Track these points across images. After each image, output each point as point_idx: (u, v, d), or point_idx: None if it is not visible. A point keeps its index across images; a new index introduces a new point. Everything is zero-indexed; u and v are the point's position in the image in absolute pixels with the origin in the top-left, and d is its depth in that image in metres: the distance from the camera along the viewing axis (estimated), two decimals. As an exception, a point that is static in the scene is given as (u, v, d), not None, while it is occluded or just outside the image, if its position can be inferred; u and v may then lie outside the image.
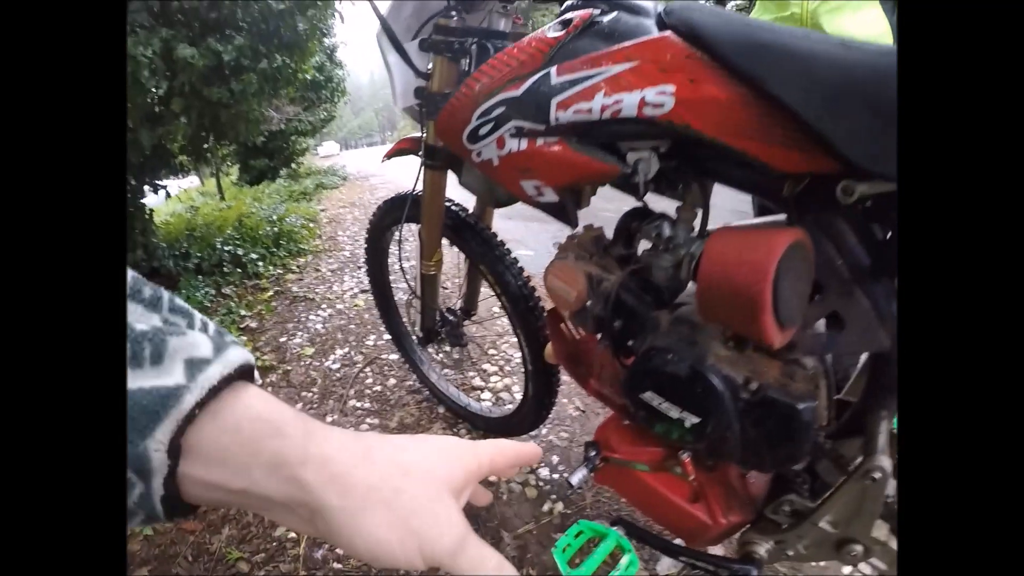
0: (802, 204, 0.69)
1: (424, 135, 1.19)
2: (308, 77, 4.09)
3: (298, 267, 3.74)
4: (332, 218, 5.96)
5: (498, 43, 1.05)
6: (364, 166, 15.53)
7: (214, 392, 0.28)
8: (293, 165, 9.99)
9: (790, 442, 0.66)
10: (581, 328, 0.96)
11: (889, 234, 0.67)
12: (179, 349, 0.27)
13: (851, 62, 0.56)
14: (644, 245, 0.86)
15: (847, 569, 1.23)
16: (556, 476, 1.53)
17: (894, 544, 0.70)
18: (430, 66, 1.10)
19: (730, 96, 0.62)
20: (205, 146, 3.37)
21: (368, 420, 1.85)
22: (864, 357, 0.86)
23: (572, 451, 1.63)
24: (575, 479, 0.89)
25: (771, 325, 0.60)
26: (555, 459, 1.60)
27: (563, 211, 0.85)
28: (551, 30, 0.78)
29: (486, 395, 1.94)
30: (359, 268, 3.65)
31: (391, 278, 1.87)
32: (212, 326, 0.33)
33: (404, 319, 1.88)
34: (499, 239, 1.29)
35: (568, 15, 0.78)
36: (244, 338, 2.53)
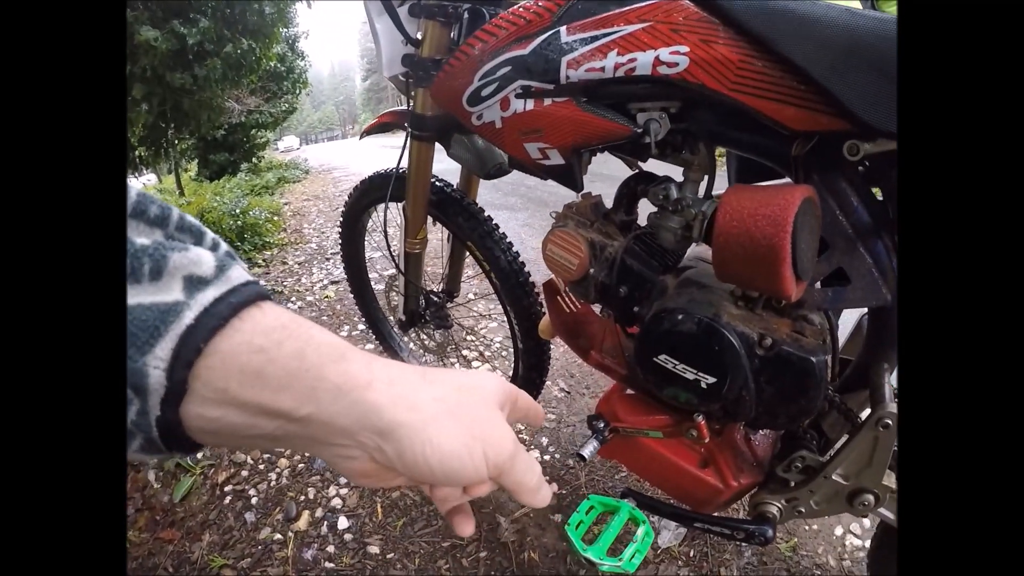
0: (808, 164, 0.70)
1: (412, 105, 1.16)
2: (272, 65, 4.00)
3: (264, 260, 3.67)
4: (296, 211, 5.85)
5: (492, 9, 1.02)
6: (326, 159, 15.32)
7: (234, 309, 0.27)
8: (254, 159, 9.78)
9: (804, 396, 0.67)
10: (582, 299, 0.95)
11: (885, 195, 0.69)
12: (180, 266, 0.26)
13: (856, 26, 0.58)
14: (646, 213, 0.86)
15: (839, 530, 1.27)
16: (547, 458, 1.53)
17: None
18: (420, 33, 1.06)
19: (742, 56, 0.64)
20: (164, 139, 3.27)
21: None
22: (855, 317, 0.89)
23: (560, 432, 1.63)
24: (586, 452, 0.88)
25: (789, 277, 0.60)
26: (544, 441, 1.60)
27: (568, 175, 0.84)
28: None
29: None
30: (327, 260, 3.60)
31: (367, 263, 1.82)
32: (224, 246, 0.31)
33: (382, 304, 1.84)
34: (487, 213, 1.26)
35: None
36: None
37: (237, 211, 4.53)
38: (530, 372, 1.37)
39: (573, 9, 0.74)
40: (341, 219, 1.66)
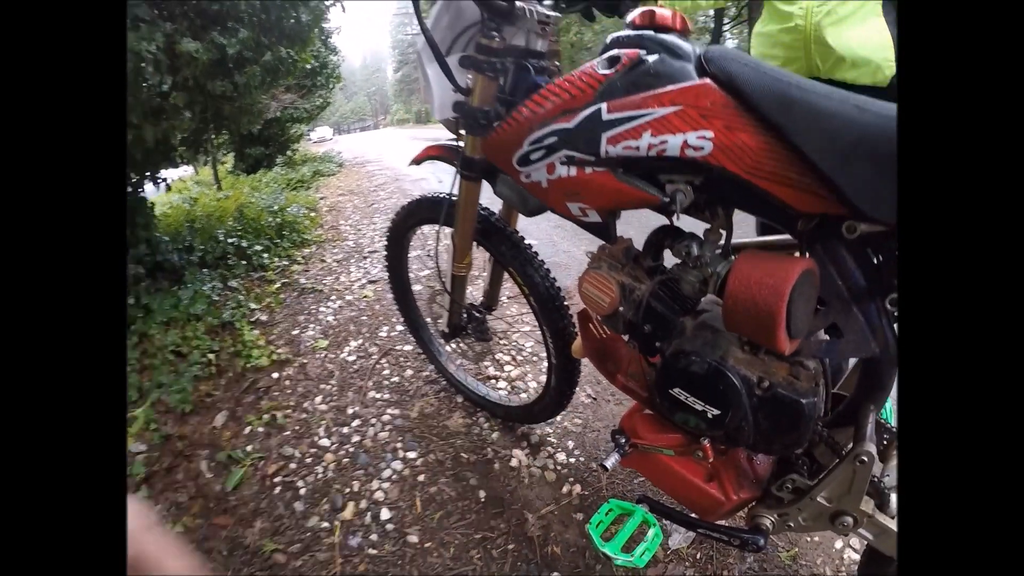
0: (811, 236, 0.82)
1: (462, 147, 1.29)
2: (307, 66, 4.12)
3: (303, 258, 3.82)
4: (332, 206, 6.03)
5: (535, 62, 1.14)
6: (359, 151, 15.54)
7: None
8: (289, 152, 9.99)
9: (795, 431, 0.80)
10: (611, 330, 1.08)
11: (881, 259, 0.80)
12: None
13: (863, 122, 0.67)
14: (673, 259, 0.98)
15: (839, 544, 1.39)
16: (572, 460, 1.67)
17: (879, 517, 0.84)
18: (470, 81, 1.17)
19: (759, 144, 0.75)
20: (204, 136, 3.36)
21: (389, 411, 1.97)
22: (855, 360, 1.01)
23: (586, 436, 1.76)
24: (609, 463, 1.02)
25: (783, 337, 0.73)
26: (570, 444, 1.74)
27: (604, 229, 0.98)
28: (600, 66, 0.88)
29: (501, 384, 2.07)
30: (364, 258, 3.75)
31: (409, 274, 1.98)
32: None
33: (423, 311, 1.99)
34: (527, 242, 1.40)
35: (615, 52, 0.88)
36: (256, 332, 2.63)
37: (275, 207, 4.74)
38: (561, 385, 1.50)
39: (613, 86, 0.85)
40: (387, 233, 1.82)
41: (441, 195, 1.51)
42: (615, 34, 0.92)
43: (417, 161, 1.55)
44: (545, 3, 1.15)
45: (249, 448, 1.87)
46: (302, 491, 1.66)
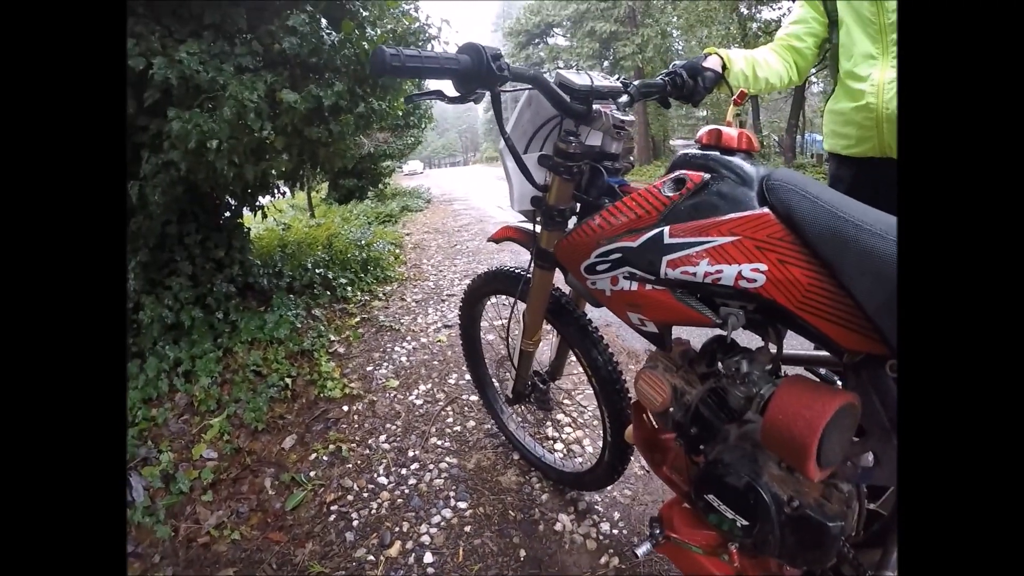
0: (856, 367, 0.87)
1: (537, 238, 1.36)
2: (399, 112, 4.29)
3: (384, 295, 4.04)
4: (416, 243, 6.33)
5: (609, 164, 1.20)
6: (447, 187, 16.22)
7: None
8: (380, 185, 10.47)
9: (820, 550, 0.84)
10: (660, 424, 1.13)
11: None
12: None
13: None
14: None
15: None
16: (615, 532, 1.70)
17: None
18: (547, 179, 1.25)
19: (810, 280, 0.80)
20: (300, 172, 3.59)
21: (447, 459, 2.07)
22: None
23: (633, 510, 1.80)
24: (641, 551, 1.08)
25: (813, 467, 0.79)
26: (616, 515, 1.77)
27: (660, 339, 1.06)
28: (666, 188, 0.95)
29: (558, 446, 2.13)
30: (442, 301, 3.91)
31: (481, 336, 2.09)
32: None
33: (491, 372, 2.11)
34: (593, 325, 1.48)
35: (681, 173, 0.95)
36: (333, 364, 2.80)
37: (363, 242, 5.04)
38: (614, 460, 1.56)
39: (676, 210, 0.93)
40: (464, 297, 1.94)
41: (517, 270, 1.62)
42: (682, 152, 1.00)
43: (495, 240, 1.65)
44: (621, 100, 1.20)
45: (312, 474, 2.03)
46: (355, 522, 1.78)
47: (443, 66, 0.93)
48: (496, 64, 0.95)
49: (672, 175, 0.97)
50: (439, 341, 3.17)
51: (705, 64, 1.40)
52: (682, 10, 16.52)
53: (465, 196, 12.98)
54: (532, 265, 1.43)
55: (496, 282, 1.75)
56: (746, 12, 14.78)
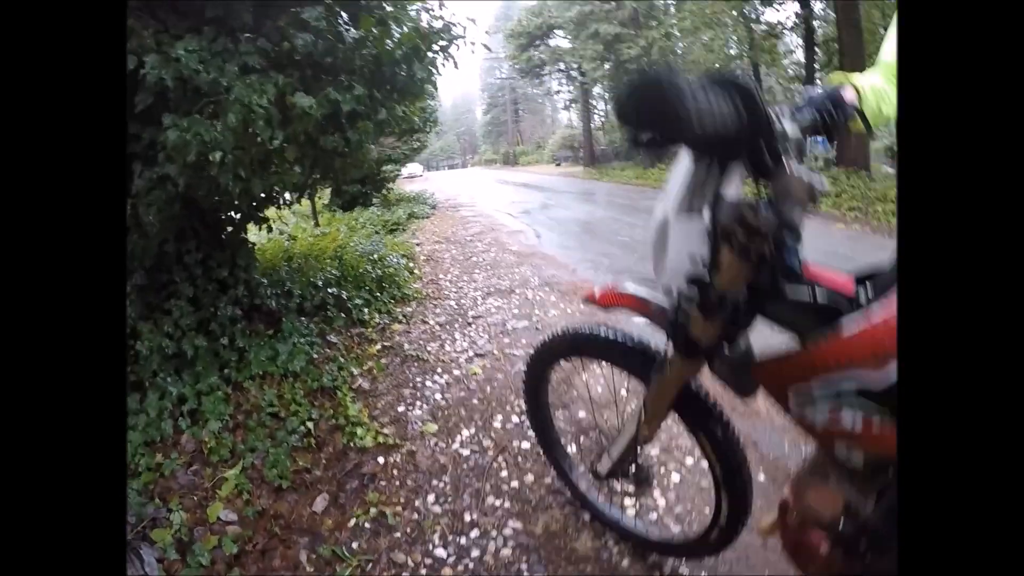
0: None
1: (686, 323, 1.01)
2: (416, 118, 3.99)
3: (404, 316, 3.70)
4: (429, 256, 6.02)
5: (791, 243, 0.86)
6: (451, 192, 15.97)
7: None
8: (384, 191, 10.25)
9: None
10: (822, 535, 0.99)
11: None
12: None
13: None
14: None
15: None
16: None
17: None
18: (704, 254, 0.92)
19: None
20: (309, 182, 3.28)
21: (511, 523, 1.75)
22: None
23: (718, 568, 1.54)
24: None
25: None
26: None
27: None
28: None
29: (652, 516, 1.79)
30: (468, 324, 3.59)
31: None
32: None
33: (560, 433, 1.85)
34: (720, 409, 1.26)
35: None
36: (359, 404, 2.47)
37: (375, 256, 4.63)
38: (720, 540, 1.38)
39: None
40: (532, 356, 1.66)
41: (611, 333, 1.38)
42: None
43: (602, 305, 1.31)
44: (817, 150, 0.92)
45: (355, 545, 1.71)
46: (417, 609, 1.49)
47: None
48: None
49: None
50: (474, 374, 2.82)
51: (844, 94, 1.04)
52: (687, 12, 16.29)
53: (471, 201, 12.66)
54: (671, 350, 1.13)
55: (560, 348, 1.52)
56: (751, 14, 14.57)
